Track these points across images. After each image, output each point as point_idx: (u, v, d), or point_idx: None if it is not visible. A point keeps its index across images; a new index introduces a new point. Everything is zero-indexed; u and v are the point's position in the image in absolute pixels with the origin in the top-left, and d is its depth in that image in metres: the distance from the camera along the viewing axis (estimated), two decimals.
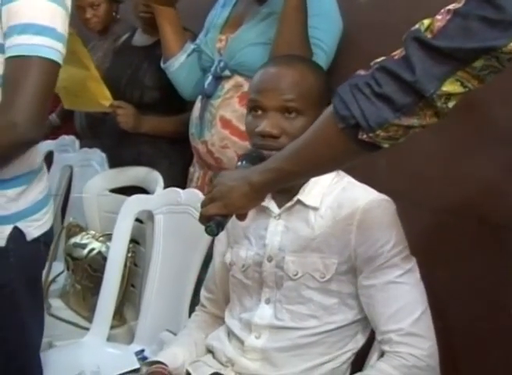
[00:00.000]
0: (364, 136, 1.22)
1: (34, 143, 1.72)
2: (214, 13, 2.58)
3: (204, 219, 1.51)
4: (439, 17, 1.15)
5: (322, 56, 2.19)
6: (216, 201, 1.50)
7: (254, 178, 1.45)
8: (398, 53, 1.18)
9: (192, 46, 2.62)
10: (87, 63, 2.70)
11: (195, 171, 2.57)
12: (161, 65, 2.67)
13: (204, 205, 1.52)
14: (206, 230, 1.50)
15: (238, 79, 2.35)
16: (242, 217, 1.55)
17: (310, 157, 1.35)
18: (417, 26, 1.17)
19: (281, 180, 1.44)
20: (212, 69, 2.42)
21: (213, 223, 1.49)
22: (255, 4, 2.40)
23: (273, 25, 2.24)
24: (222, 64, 2.38)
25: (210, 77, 2.42)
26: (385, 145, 1.24)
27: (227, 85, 2.37)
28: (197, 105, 2.47)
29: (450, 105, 1.17)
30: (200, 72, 2.57)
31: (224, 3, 2.56)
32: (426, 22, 1.16)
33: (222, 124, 2.35)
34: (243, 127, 2.24)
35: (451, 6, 1.14)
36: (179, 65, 2.62)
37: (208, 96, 2.41)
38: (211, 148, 2.39)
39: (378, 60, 1.22)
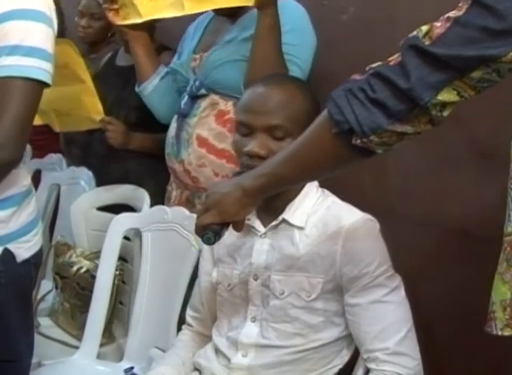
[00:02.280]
0: (358, 141, 1.21)
1: (16, 164, 1.73)
2: (187, 38, 2.59)
3: (200, 229, 1.49)
4: (437, 24, 1.14)
5: (298, 72, 2.18)
6: (210, 209, 1.48)
7: (246, 183, 1.44)
8: (394, 59, 1.18)
9: (165, 69, 2.63)
10: (82, 74, 2.70)
11: (172, 190, 2.57)
12: (136, 89, 2.68)
13: (199, 215, 1.52)
14: (203, 239, 1.49)
15: (214, 97, 2.36)
16: (238, 227, 1.53)
17: (303, 162, 1.33)
18: (414, 32, 1.17)
19: (274, 185, 1.42)
20: (188, 88, 2.43)
21: (210, 231, 1.47)
22: (227, 22, 2.42)
23: (246, 42, 2.25)
24: (197, 83, 2.39)
25: (186, 97, 2.43)
26: (379, 151, 1.24)
27: (203, 103, 2.38)
28: (173, 125, 2.47)
29: (445, 113, 1.17)
30: (174, 94, 2.57)
31: (196, 28, 2.57)
32: (424, 28, 1.15)
33: (198, 143, 2.35)
34: (219, 145, 2.27)
35: (451, 14, 1.14)
36: (152, 88, 2.62)
37: (184, 116, 2.41)
38: (188, 167, 2.39)
39: (374, 65, 1.21)
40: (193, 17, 2.53)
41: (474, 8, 1.10)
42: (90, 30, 3.48)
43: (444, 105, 1.15)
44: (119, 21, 2.54)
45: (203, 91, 2.38)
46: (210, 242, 1.49)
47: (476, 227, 1.98)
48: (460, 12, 1.12)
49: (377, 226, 1.70)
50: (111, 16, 2.53)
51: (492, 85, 1.15)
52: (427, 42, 1.13)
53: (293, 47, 2.20)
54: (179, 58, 2.59)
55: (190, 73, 2.46)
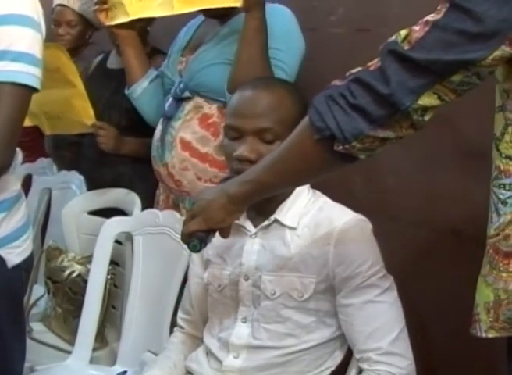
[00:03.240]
0: (340, 147, 1.21)
1: (5, 169, 1.73)
2: (177, 40, 2.58)
3: (186, 236, 1.49)
4: (416, 28, 1.14)
5: (284, 77, 2.17)
6: (196, 216, 1.49)
7: (231, 190, 1.44)
8: (374, 64, 1.18)
9: (155, 72, 2.63)
10: (73, 79, 2.69)
11: (160, 193, 2.57)
12: (125, 91, 2.68)
13: (185, 222, 1.52)
14: (189, 247, 1.49)
15: (198, 100, 2.35)
16: (225, 234, 1.53)
17: (286, 168, 1.34)
18: (393, 37, 1.17)
19: (258, 192, 1.43)
20: (172, 90, 2.42)
21: (195, 239, 1.48)
22: (216, 25, 2.41)
23: (232, 45, 2.24)
24: (181, 85, 2.37)
25: (170, 99, 2.42)
26: (362, 156, 1.24)
27: (187, 106, 2.36)
28: (159, 128, 2.46)
29: (427, 117, 1.17)
30: (163, 97, 2.55)
31: (186, 31, 2.56)
32: (403, 32, 1.16)
33: (181, 146, 2.34)
34: (202, 149, 2.26)
35: (430, 17, 1.14)
36: (141, 91, 2.62)
37: (168, 118, 2.40)
38: (171, 170, 2.37)
39: (354, 71, 1.21)
40: (185, 20, 2.52)
41: (453, 12, 1.11)
42: (68, 37, 3.50)
43: (425, 109, 1.16)
44: (107, 22, 2.54)
45: (187, 94, 2.37)
46: (196, 249, 1.49)
47: (467, 227, 1.98)
48: (439, 16, 1.13)
49: (369, 226, 1.70)
50: (102, 17, 2.53)
51: (473, 88, 1.16)
52: (406, 47, 1.14)
53: (279, 52, 2.20)
54: (168, 60, 2.58)
55: (176, 76, 2.45)
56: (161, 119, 2.47)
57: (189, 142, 2.33)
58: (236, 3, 2.15)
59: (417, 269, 2.09)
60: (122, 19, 2.48)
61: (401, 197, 2.18)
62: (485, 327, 1.29)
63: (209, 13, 2.38)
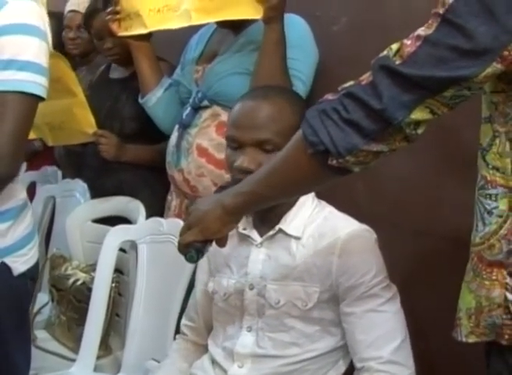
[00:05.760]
0: (334, 161, 1.21)
1: (12, 178, 1.74)
2: (189, 49, 2.61)
3: (183, 247, 1.50)
4: (407, 42, 1.14)
5: (301, 87, 2.21)
6: (192, 227, 1.49)
7: (226, 201, 1.44)
8: (365, 78, 1.18)
9: (169, 80, 2.64)
10: (74, 88, 2.70)
11: (172, 199, 2.58)
12: (139, 100, 2.69)
13: (181, 233, 1.52)
14: (186, 257, 1.49)
15: (216, 108, 2.37)
16: (221, 243, 1.53)
17: (281, 181, 1.34)
18: (385, 52, 1.17)
19: (253, 203, 1.43)
20: (191, 100, 2.44)
21: (192, 249, 1.48)
22: (230, 34, 2.43)
23: (249, 55, 2.27)
24: (200, 95, 2.40)
25: (189, 108, 2.43)
26: (356, 169, 1.24)
27: (205, 114, 2.39)
28: (174, 134, 2.48)
29: (420, 131, 1.18)
30: (177, 105, 2.58)
31: (198, 40, 2.58)
32: (394, 47, 1.16)
33: (198, 152, 2.36)
34: (219, 156, 2.27)
35: (421, 31, 1.14)
36: (156, 100, 2.63)
37: (184, 126, 2.42)
38: (187, 176, 2.40)
39: (346, 85, 1.22)
40: (188, 29, 2.53)
41: (444, 27, 1.11)
42: (79, 41, 3.56)
43: (418, 123, 1.16)
44: (120, 32, 2.55)
45: (205, 103, 2.39)
46: (193, 260, 1.49)
47: (468, 235, 1.98)
48: (430, 30, 1.13)
49: (373, 236, 1.71)
50: (114, 27, 2.54)
51: (465, 100, 1.16)
52: (398, 61, 1.14)
53: (297, 61, 2.22)
54: (182, 70, 2.60)
55: (193, 85, 2.47)
56: (176, 126, 2.49)
57: (206, 149, 2.36)
58: (256, 15, 2.16)
59: (419, 276, 2.09)
60: (138, 30, 2.50)
61: (404, 205, 2.18)
62: (465, 332, 1.31)
63: (224, 24, 2.40)
